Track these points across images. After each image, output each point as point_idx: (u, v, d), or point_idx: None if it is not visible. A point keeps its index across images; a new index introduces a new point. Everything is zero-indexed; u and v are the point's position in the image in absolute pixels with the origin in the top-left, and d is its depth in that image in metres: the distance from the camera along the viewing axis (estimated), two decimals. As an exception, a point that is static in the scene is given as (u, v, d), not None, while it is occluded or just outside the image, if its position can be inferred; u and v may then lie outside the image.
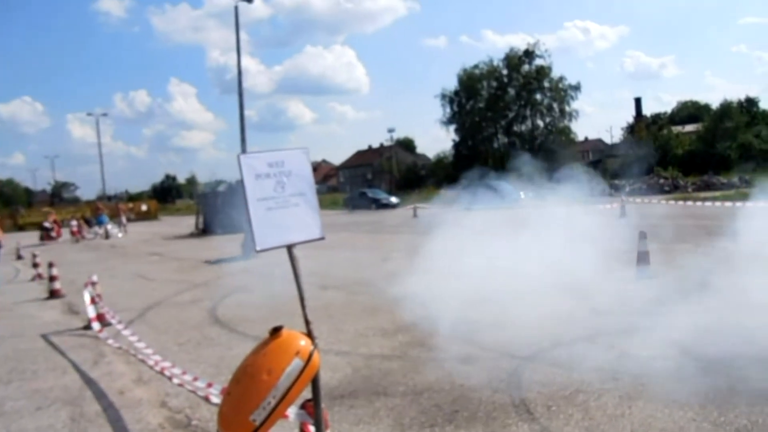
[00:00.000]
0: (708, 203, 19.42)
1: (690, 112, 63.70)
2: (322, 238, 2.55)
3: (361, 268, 10.42)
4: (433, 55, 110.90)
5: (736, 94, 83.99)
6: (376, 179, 67.23)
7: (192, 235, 23.53)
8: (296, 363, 2.14)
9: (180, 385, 4.42)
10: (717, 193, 27.67)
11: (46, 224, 26.47)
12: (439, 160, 64.85)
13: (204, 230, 24.00)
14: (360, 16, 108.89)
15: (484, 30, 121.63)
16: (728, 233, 10.73)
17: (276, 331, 2.22)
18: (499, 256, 10.63)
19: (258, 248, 2.32)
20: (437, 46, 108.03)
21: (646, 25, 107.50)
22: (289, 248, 2.40)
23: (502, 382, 4.13)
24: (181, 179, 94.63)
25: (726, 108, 51.37)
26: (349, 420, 3.66)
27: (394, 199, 40.43)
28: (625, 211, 17.66)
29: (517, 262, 9.88)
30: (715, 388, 3.73)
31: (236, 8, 23.52)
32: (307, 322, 2.37)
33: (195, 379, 4.10)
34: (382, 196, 41.81)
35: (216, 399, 4.09)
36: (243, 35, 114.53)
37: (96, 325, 6.60)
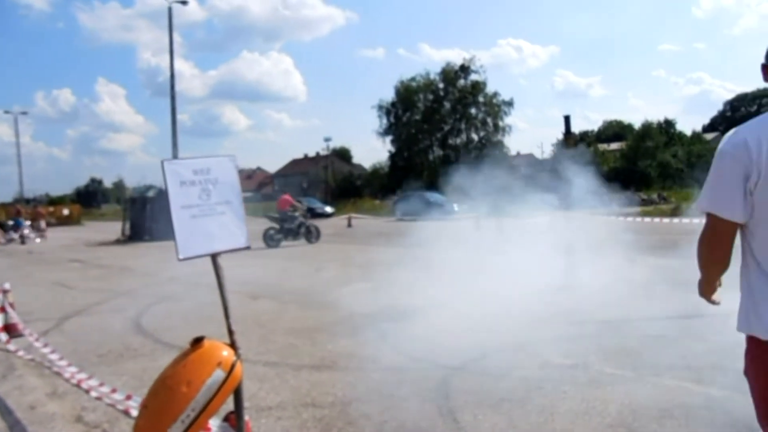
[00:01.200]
0: (629, 219, 20.36)
1: (615, 130, 66.79)
2: (248, 248, 2.51)
3: (293, 278, 10.31)
4: (370, 66, 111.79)
5: (656, 115, 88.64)
6: (312, 188, 66.87)
7: (118, 242, 22.63)
8: (218, 374, 2.08)
9: (98, 398, 4.22)
10: (638, 209, 29.06)
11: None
12: (375, 171, 65.21)
13: (131, 237, 23.13)
14: (298, 23, 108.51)
15: (421, 43, 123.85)
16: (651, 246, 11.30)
17: (197, 341, 2.15)
18: (431, 267, 10.79)
19: (180, 257, 2.25)
20: (375, 57, 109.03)
21: (575, 46, 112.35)
22: (214, 257, 2.34)
23: (430, 391, 4.17)
24: (108, 183, 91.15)
25: (647, 128, 54.28)
26: (276, 431, 3.60)
27: (329, 209, 40.34)
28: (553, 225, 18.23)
29: (449, 272, 10.06)
30: (631, 394, 3.90)
31: (170, 9, 23.07)
32: (230, 332, 2.32)
33: (113, 391, 3.93)
34: (317, 205, 41.59)
35: (136, 412, 3.95)
36: (177, 37, 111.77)
37: (2, 336, 6.22)
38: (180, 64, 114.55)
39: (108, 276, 12.03)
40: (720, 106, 79.12)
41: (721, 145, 1.90)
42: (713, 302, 2.16)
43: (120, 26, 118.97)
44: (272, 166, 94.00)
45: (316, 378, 4.64)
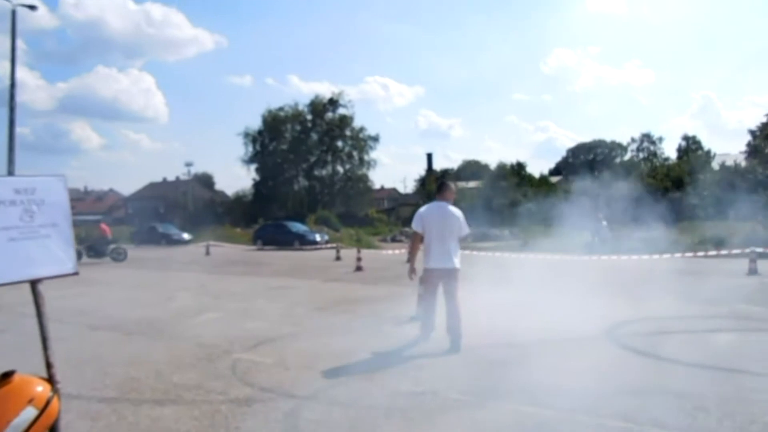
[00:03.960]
0: (483, 253, 21.64)
1: (473, 170, 70.91)
2: (75, 273, 2.32)
3: (140, 307, 9.68)
4: (237, 93, 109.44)
5: (509, 157, 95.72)
6: (170, 214, 63.59)
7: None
8: (28, 412, 1.88)
9: None
10: (492, 243, 30.98)
11: None
12: (238, 198, 63.61)
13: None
14: (162, 43, 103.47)
15: (290, 74, 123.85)
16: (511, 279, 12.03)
17: (5, 376, 1.95)
18: (283, 298, 10.70)
19: (-7, 281, 2.05)
20: (242, 85, 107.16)
21: (439, 87, 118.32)
22: (33, 283, 2.15)
23: (278, 423, 4.09)
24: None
25: (501, 169, 58.48)
26: (106, 474, 3.33)
27: (186, 236, 38.59)
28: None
29: (303, 303, 10.03)
30: (474, 418, 4.10)
31: (14, 12, 21.13)
32: (48, 366, 2.12)
33: None
34: (173, 231, 39.67)
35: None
36: (21, 44, 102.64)
37: None
38: (24, 74, 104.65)
39: None
40: (563, 153, 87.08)
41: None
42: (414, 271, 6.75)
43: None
44: (127, 188, 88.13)
45: (158, 413, 4.37)
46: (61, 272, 2.21)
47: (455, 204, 6.80)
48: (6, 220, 2.04)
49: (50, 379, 2.04)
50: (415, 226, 6.54)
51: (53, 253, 2.17)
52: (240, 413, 4.28)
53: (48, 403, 1.92)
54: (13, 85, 22.23)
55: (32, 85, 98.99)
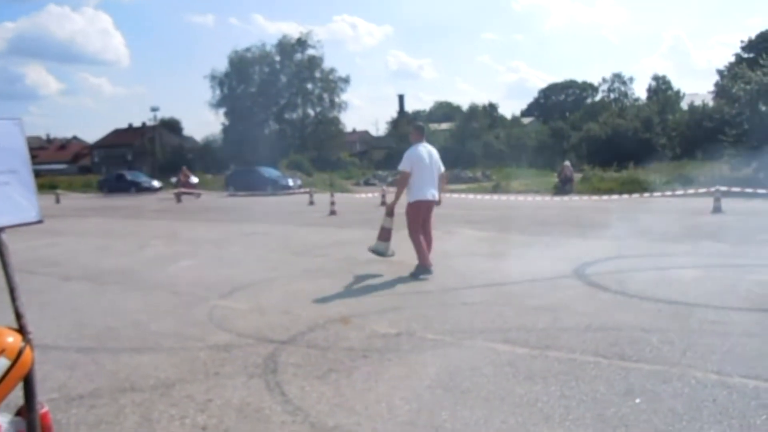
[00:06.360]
0: (455, 195, 21.78)
1: (445, 111, 70.51)
2: (40, 222, 2.26)
3: (113, 256, 9.59)
4: (199, 33, 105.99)
5: (481, 99, 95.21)
6: (138, 161, 62.36)
7: None
8: (0, 362, 1.88)
9: None
10: (464, 186, 31.17)
11: None
12: (208, 144, 62.52)
13: None
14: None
15: (254, 13, 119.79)
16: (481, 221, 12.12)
17: (-28, 328, 1.93)
18: (258, 244, 10.69)
19: (-46, 232, 1.99)
20: (204, 24, 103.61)
21: (408, 27, 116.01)
22: (-4, 233, 2.09)
23: (257, 367, 4.14)
24: None
25: (473, 111, 58.11)
26: (88, 421, 3.35)
27: (156, 183, 38.00)
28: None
29: (278, 248, 10.04)
30: (449, 357, 4.21)
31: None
32: (18, 316, 2.09)
33: None
34: (143, 179, 39.02)
35: None
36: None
37: None
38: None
39: None
40: (535, 94, 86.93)
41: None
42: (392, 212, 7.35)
43: None
44: (91, 135, 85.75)
45: (137, 361, 4.39)
46: (24, 220, 2.14)
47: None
48: (-42, 167, 1.96)
49: (21, 330, 2.01)
50: (405, 166, 7.13)
51: (15, 201, 2.09)
52: (219, 359, 4.32)
53: (20, 353, 1.90)
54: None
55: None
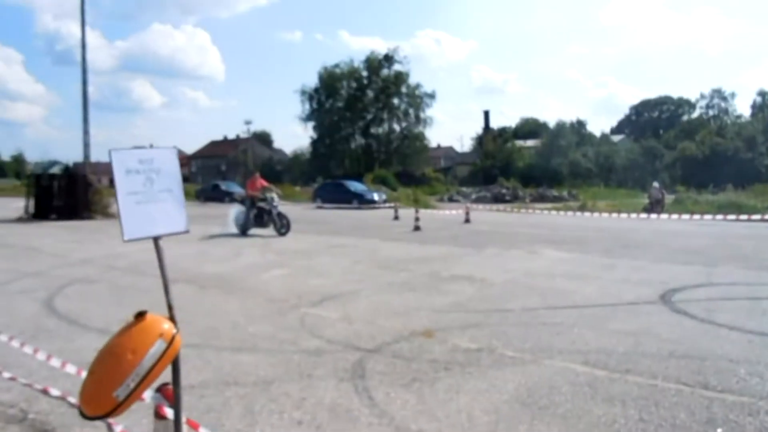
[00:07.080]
0: (539, 212, 21.51)
1: (531, 128, 69.51)
2: (186, 231, 2.69)
3: (212, 262, 10.30)
4: (288, 49, 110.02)
5: (568, 115, 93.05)
6: (231, 172, 65.50)
7: (20, 220, 21.44)
8: (159, 344, 2.29)
9: (12, 378, 4.23)
10: (549, 205, 30.62)
11: None
12: (296, 157, 64.83)
13: (35, 215, 21.97)
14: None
15: (339, 30, 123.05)
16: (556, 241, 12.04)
17: (140, 315, 2.36)
18: (345, 256, 11.09)
19: (126, 238, 2.43)
20: (293, 40, 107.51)
21: (493, 41, 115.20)
22: (156, 239, 2.53)
23: (346, 372, 4.45)
24: (6, 156, 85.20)
25: (560, 128, 56.95)
26: (199, 408, 3.76)
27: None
28: (469, 217, 18.97)
29: (364, 261, 10.39)
30: (528, 374, 4.35)
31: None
32: (169, 308, 2.53)
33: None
34: (235, 189, 40.88)
35: (56, 391, 3.99)
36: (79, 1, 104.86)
37: None
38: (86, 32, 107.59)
39: (13, 256, 11.50)
40: (626, 110, 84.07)
41: None
42: None
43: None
44: (189, 146, 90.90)
45: (238, 359, 4.82)
46: (176, 230, 2.57)
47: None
48: (133, 186, 2.41)
49: (171, 319, 2.42)
50: None
51: (169, 214, 2.53)
52: (311, 362, 4.67)
53: (173, 338, 2.30)
54: (84, 44, 23.06)
55: (93, 44, 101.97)
